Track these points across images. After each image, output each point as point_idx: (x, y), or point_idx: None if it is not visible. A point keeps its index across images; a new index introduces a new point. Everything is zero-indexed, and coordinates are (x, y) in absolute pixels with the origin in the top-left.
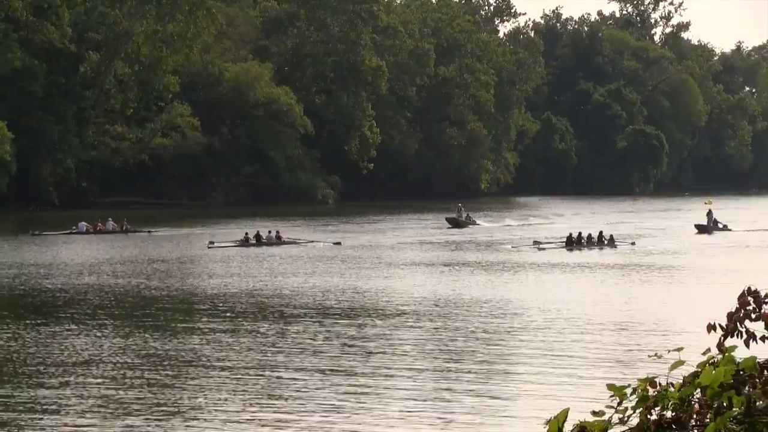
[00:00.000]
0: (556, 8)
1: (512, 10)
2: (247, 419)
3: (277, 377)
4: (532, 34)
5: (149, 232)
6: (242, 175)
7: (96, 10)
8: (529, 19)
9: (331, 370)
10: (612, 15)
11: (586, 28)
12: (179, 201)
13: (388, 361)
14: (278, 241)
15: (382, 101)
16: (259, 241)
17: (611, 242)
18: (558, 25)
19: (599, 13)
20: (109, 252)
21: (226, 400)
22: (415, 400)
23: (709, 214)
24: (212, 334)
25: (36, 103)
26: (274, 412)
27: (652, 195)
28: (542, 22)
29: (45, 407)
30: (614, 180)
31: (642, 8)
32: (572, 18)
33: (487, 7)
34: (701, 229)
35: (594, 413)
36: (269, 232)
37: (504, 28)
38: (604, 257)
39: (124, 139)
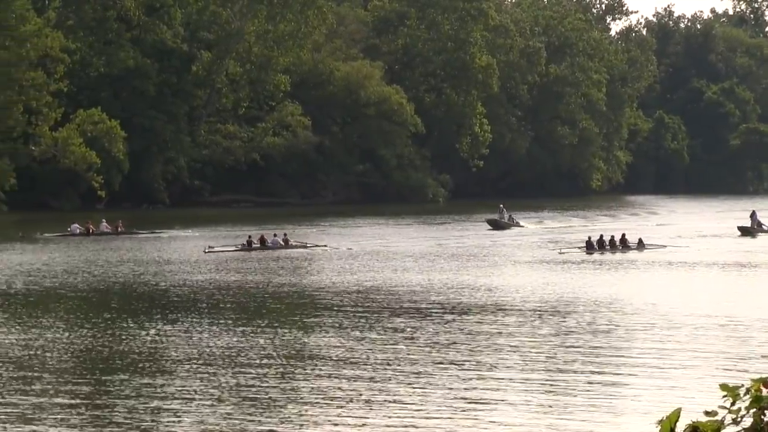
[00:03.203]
0: (668, 6)
1: (624, 8)
2: (373, 413)
3: (392, 372)
4: (644, 32)
5: (138, 233)
6: (353, 173)
7: (208, 10)
8: (641, 16)
9: (445, 365)
10: (725, 12)
11: (698, 26)
12: (290, 200)
13: (499, 358)
14: (285, 245)
15: (492, 100)
16: (263, 245)
17: (640, 245)
18: (670, 22)
19: (712, 10)
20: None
21: (351, 394)
22: (527, 396)
23: (753, 215)
24: (333, 330)
25: (148, 102)
26: (393, 407)
27: (766, 194)
28: (654, 19)
29: (179, 398)
30: (727, 179)
31: (755, 5)
32: (684, 15)
33: (598, 5)
34: (744, 231)
35: (707, 413)
36: (274, 235)
37: (616, 26)
38: (709, 256)
39: (235, 138)
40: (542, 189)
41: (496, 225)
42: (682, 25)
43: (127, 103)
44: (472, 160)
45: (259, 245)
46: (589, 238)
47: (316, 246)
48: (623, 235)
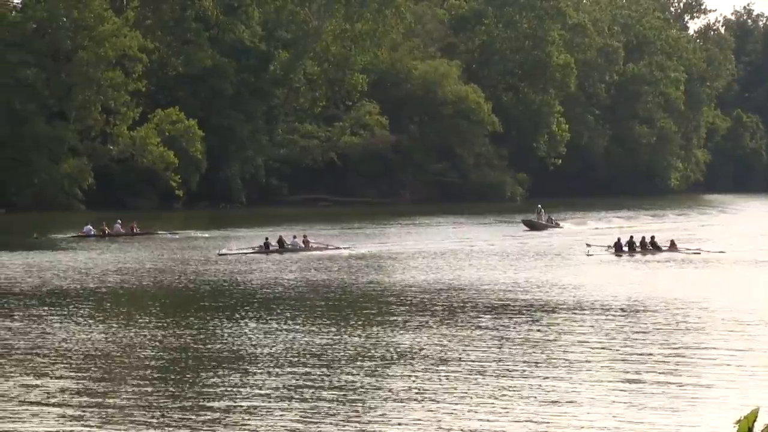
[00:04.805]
0: (747, 4)
1: (702, 7)
2: (460, 411)
3: (478, 369)
4: (723, 31)
5: (156, 233)
6: (430, 172)
7: (285, 9)
8: (720, 15)
9: (530, 363)
10: None
11: None
12: (367, 198)
13: (573, 356)
14: (305, 247)
15: (570, 98)
16: (282, 247)
17: (672, 247)
18: (749, 21)
19: None
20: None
21: (440, 392)
22: (606, 394)
23: None
24: (420, 328)
25: (226, 101)
26: (477, 404)
27: None
28: (733, 18)
29: (270, 396)
30: None
31: None
32: (763, 14)
33: (676, 4)
34: None
35: None
36: (294, 237)
37: (694, 25)
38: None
39: (312, 138)
40: (620, 188)
41: (533, 226)
42: (760, 24)
43: (205, 103)
44: (550, 158)
45: (277, 247)
46: (618, 239)
47: (338, 248)
48: (653, 237)
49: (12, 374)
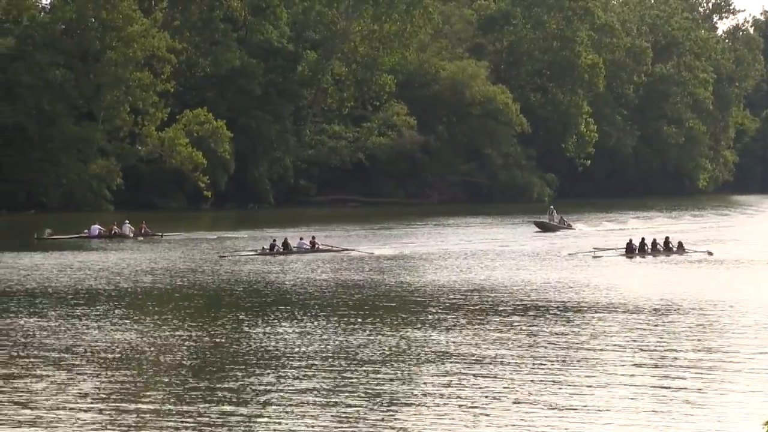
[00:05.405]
0: None
1: (731, 7)
2: (491, 412)
3: (505, 370)
4: (752, 31)
5: (161, 235)
6: (458, 173)
7: (313, 10)
8: (749, 15)
9: (556, 363)
10: None
11: None
12: (395, 199)
13: (602, 356)
14: (312, 248)
15: (598, 99)
16: (287, 249)
17: (680, 249)
18: None
19: None
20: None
21: (470, 392)
22: (633, 395)
23: None
24: (450, 329)
25: (254, 102)
26: (505, 406)
27: None
28: (762, 18)
29: (304, 396)
30: None
31: None
32: None
33: (705, 4)
34: None
35: None
36: (300, 239)
37: (722, 25)
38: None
39: (341, 138)
40: (648, 188)
41: (544, 227)
42: None
43: (233, 103)
44: (578, 159)
45: (282, 249)
46: (630, 240)
47: (345, 250)
48: (666, 238)
49: (46, 374)
